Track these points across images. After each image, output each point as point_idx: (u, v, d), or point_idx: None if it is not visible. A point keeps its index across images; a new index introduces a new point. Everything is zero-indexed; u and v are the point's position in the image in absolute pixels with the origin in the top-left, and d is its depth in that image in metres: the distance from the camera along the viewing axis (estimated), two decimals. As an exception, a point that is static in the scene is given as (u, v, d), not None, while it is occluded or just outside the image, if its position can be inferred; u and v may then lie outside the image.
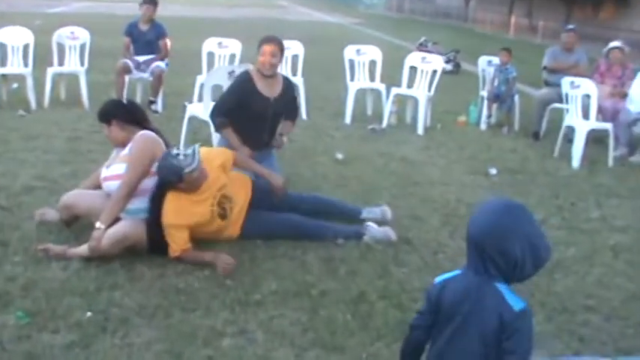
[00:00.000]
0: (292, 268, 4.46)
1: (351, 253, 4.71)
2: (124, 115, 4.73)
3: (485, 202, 2.35)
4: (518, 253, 2.17)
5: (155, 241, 4.44)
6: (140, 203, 4.47)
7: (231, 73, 6.60)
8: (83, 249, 4.31)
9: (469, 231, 2.29)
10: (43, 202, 5.30)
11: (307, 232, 4.91)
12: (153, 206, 4.48)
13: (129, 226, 4.37)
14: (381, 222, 5.20)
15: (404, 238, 5.03)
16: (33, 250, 4.39)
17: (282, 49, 5.63)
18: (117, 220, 4.41)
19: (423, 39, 16.36)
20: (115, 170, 4.54)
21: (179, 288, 4.08)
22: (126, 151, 4.57)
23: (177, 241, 4.42)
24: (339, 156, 7.28)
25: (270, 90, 5.62)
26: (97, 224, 4.29)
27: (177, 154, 4.38)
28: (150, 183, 4.48)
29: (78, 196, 4.75)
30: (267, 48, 5.52)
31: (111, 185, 4.52)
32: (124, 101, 4.90)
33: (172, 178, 4.39)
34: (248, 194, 4.97)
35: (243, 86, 5.57)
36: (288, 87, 5.82)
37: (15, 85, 9.49)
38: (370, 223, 5.04)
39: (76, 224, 4.80)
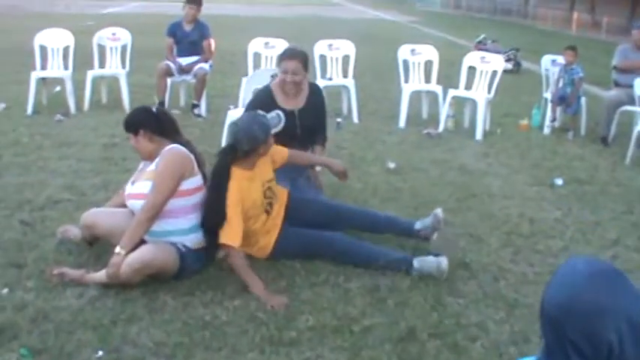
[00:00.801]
0: (333, 298, 3.94)
1: (402, 282, 4.16)
2: (153, 125, 4.18)
3: (564, 264, 1.72)
4: (612, 336, 1.56)
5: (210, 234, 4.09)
6: (166, 225, 4.01)
7: (273, 76, 6.11)
8: (101, 275, 3.87)
9: (543, 304, 1.68)
10: (67, 217, 4.93)
11: (349, 254, 4.35)
12: (216, 184, 4.09)
13: (153, 252, 3.89)
14: (436, 228, 4.66)
15: (460, 263, 4.48)
16: (48, 274, 3.98)
17: (305, 64, 5.09)
18: (141, 243, 3.95)
19: (482, 36, 15.76)
20: (139, 188, 4.07)
21: (205, 321, 3.61)
22: (152, 166, 4.10)
23: (234, 229, 4.00)
24: (391, 165, 6.74)
25: (293, 102, 5.14)
26: (117, 249, 3.83)
27: (264, 115, 4.36)
28: (176, 204, 4.00)
29: (99, 215, 4.32)
30: (289, 65, 5.00)
31: (135, 204, 4.05)
32: (154, 109, 4.41)
33: (261, 136, 4.17)
34: (283, 205, 4.52)
35: (263, 103, 5.05)
36: (314, 92, 5.31)
37: (58, 89, 9.21)
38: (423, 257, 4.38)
39: (100, 243, 4.37)
